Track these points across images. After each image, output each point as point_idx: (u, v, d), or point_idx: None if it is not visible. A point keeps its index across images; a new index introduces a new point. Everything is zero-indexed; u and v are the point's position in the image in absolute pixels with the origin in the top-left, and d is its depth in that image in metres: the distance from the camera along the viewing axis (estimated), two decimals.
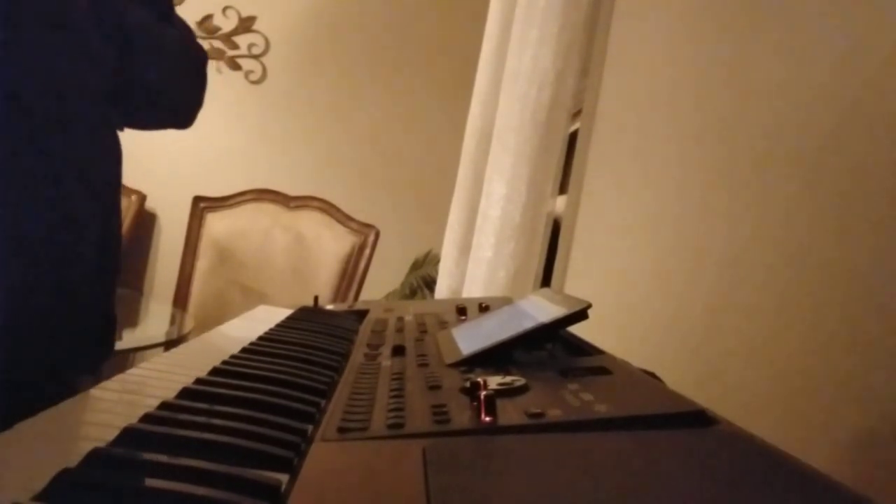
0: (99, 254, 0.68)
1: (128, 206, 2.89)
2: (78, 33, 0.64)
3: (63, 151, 0.63)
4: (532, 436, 0.38)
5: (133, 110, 0.78)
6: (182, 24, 0.84)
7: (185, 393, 0.46)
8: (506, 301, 0.84)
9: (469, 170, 1.68)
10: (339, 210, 2.76)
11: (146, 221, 3.01)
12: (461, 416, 0.40)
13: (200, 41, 3.38)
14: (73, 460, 0.33)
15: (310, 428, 0.41)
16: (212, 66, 3.00)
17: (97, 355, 0.72)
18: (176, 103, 0.86)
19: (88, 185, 0.67)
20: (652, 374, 0.51)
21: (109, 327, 0.74)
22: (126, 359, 1.81)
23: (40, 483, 0.31)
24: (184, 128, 0.90)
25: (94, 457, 0.33)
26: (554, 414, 0.39)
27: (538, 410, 0.39)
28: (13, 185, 0.58)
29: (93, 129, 0.68)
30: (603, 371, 0.49)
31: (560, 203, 1.44)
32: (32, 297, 0.60)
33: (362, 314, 0.88)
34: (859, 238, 0.58)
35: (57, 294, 0.63)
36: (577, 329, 0.60)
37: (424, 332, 0.71)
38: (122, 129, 0.75)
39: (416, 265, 2.82)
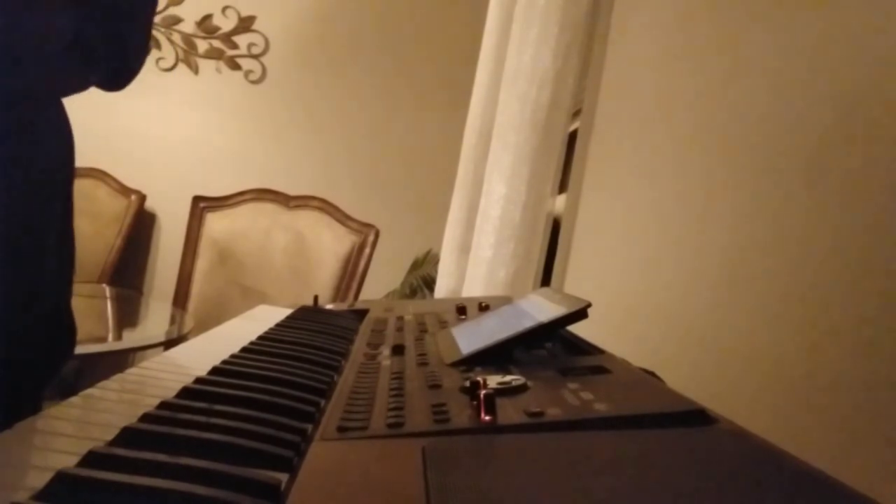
0: (58, 252, 0.64)
1: (128, 206, 2.90)
2: None
3: (20, 149, 0.58)
4: (531, 435, 0.38)
5: (98, 71, 0.67)
6: None
7: (184, 392, 0.46)
8: (505, 300, 0.84)
9: (469, 169, 1.68)
10: (338, 209, 2.76)
11: (146, 221, 3.01)
12: (461, 415, 0.40)
13: (200, 41, 3.33)
14: (73, 460, 0.33)
15: (309, 427, 0.41)
16: (211, 66, 3.02)
17: (59, 356, 0.69)
18: (134, 59, 0.72)
19: (47, 184, 0.62)
20: (651, 374, 0.51)
21: (69, 327, 0.70)
22: (126, 359, 1.81)
23: (39, 483, 0.31)
24: (119, 89, 0.74)
25: (93, 456, 0.33)
26: (553, 413, 0.39)
27: (538, 409, 0.39)
28: None
29: (48, 120, 0.62)
30: (602, 370, 0.49)
31: (560, 202, 1.44)
32: None
33: (362, 314, 0.88)
34: (858, 236, 0.58)
35: (17, 297, 0.60)
36: (576, 328, 0.60)
37: (424, 331, 0.71)
38: (85, 88, 0.65)
39: (416, 265, 2.82)
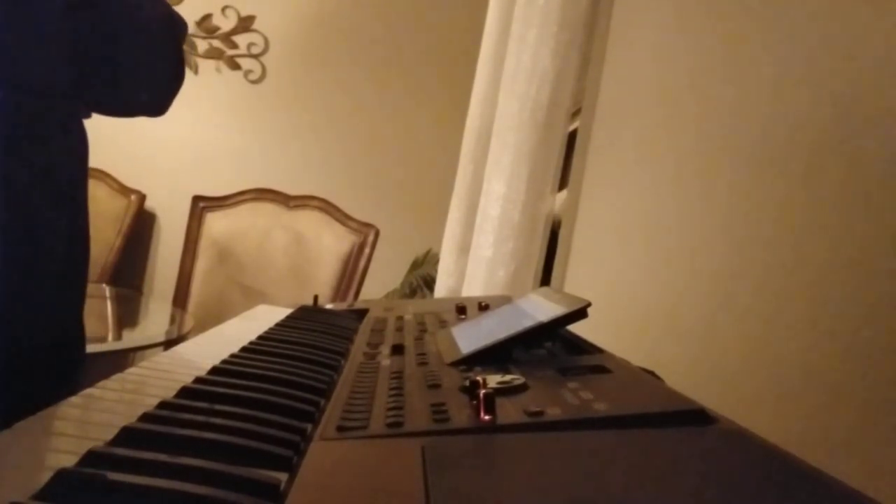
0: (66, 259, 0.65)
1: (128, 206, 2.90)
2: (44, 14, 0.59)
3: (27, 154, 0.59)
4: (531, 434, 0.38)
5: (102, 96, 0.71)
6: None
7: (184, 392, 0.46)
8: (505, 300, 0.84)
9: (468, 169, 1.68)
10: (338, 209, 2.76)
11: (146, 221, 3.01)
12: (460, 414, 0.40)
13: (200, 41, 3.31)
14: (72, 460, 0.33)
15: (309, 427, 0.41)
16: (211, 66, 3.02)
17: (70, 361, 0.69)
18: (150, 87, 0.77)
19: (54, 189, 0.63)
20: (651, 373, 0.51)
21: (79, 333, 0.70)
22: (126, 359, 1.81)
23: (39, 482, 0.31)
24: (157, 115, 0.80)
25: (93, 456, 0.33)
26: (553, 412, 0.39)
27: (537, 409, 0.39)
28: None
29: (59, 126, 0.64)
30: (602, 370, 0.49)
31: (560, 201, 1.44)
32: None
33: (362, 313, 0.88)
34: (855, 236, 0.58)
35: (23, 303, 0.60)
36: (576, 328, 0.60)
37: (424, 331, 0.71)
38: (88, 117, 0.69)
39: (416, 264, 2.82)
